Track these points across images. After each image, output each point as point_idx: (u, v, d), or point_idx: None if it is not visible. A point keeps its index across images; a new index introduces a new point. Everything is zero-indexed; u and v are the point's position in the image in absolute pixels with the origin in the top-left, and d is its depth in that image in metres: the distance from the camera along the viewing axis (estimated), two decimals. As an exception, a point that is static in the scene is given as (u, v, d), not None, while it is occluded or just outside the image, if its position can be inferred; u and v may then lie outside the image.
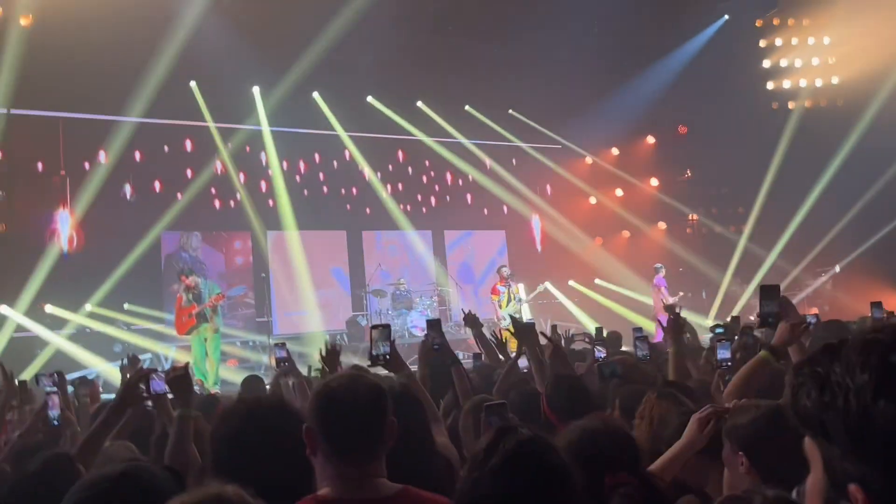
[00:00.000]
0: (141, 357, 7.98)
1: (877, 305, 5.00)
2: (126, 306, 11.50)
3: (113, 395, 3.79)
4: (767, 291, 2.81)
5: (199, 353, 9.77)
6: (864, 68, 13.17)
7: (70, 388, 5.87)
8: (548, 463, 1.39)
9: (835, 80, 14.47)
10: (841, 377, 0.76)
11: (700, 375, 4.03)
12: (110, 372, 9.92)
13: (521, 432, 1.44)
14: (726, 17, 14.44)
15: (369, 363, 2.92)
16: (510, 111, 15.04)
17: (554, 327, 6.79)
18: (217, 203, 13.02)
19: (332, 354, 3.71)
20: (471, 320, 5.02)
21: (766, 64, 14.83)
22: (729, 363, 3.70)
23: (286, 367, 4.45)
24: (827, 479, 0.77)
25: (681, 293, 12.75)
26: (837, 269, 13.82)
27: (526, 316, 11.75)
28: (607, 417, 2.19)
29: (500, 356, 5.07)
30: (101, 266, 11.24)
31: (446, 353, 3.28)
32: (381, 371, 3.21)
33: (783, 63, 14.75)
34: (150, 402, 2.95)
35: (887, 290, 12.39)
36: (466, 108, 14.63)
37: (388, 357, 2.85)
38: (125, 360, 5.28)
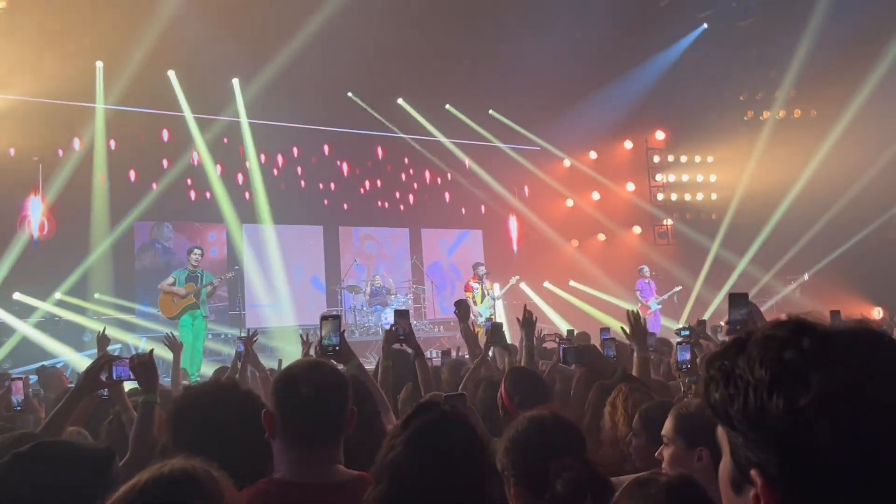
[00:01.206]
0: (109, 348, 7.89)
1: (835, 314, 5.14)
2: (97, 296, 11.37)
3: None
4: (736, 299, 2.89)
5: (189, 337, 9.27)
6: (838, 78, 13.39)
7: (33, 378, 5.84)
8: (461, 438, 1.43)
9: (809, 91, 14.70)
10: (743, 371, 0.81)
11: (657, 376, 4.15)
12: (78, 362, 9.82)
13: (443, 408, 1.48)
14: (705, 25, 14.63)
15: (319, 353, 2.92)
16: (490, 111, 15.09)
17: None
18: (193, 194, 12.92)
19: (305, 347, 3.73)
20: (463, 309, 4.98)
21: (741, 73, 15.02)
22: (688, 366, 3.81)
23: (251, 358, 4.50)
24: (734, 464, 0.83)
25: (677, 287, 13.17)
26: (806, 277, 14.06)
27: (499, 314, 11.80)
28: (556, 408, 2.25)
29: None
30: (72, 254, 11.11)
31: (411, 343, 3.30)
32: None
33: (758, 72, 14.95)
34: (105, 390, 2.93)
35: (854, 299, 12.65)
36: (447, 107, 14.65)
37: (336, 348, 2.86)
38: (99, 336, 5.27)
